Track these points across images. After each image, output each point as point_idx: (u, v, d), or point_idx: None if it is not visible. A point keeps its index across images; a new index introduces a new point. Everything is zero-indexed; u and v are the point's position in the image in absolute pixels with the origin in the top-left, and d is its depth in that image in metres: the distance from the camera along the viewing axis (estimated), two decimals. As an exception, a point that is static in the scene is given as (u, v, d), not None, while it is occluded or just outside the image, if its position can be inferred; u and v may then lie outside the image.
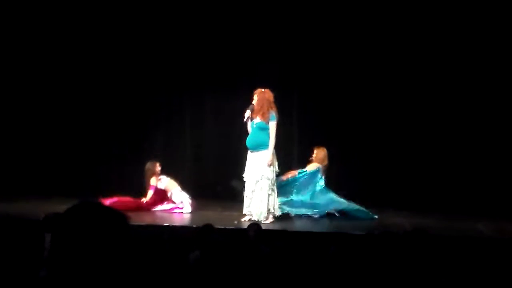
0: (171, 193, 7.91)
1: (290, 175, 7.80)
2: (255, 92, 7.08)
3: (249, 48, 8.86)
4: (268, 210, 7.00)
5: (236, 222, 6.93)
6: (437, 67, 8.51)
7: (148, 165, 7.87)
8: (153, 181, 7.86)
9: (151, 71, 9.02)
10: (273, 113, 7.02)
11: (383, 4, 8.56)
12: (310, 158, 7.88)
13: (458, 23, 8.36)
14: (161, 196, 7.97)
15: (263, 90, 7.08)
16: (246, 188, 7.07)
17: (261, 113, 7.01)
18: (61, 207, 1.68)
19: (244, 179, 7.10)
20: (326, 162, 7.84)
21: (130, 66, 8.99)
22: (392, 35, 8.56)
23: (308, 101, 8.86)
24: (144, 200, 7.83)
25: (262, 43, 8.82)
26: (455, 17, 8.38)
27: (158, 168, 7.89)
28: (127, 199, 7.69)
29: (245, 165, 7.13)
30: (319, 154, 7.84)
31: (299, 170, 7.86)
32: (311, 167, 7.82)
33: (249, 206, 6.99)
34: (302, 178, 7.74)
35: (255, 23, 8.80)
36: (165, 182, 7.95)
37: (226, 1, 8.85)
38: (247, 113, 7.01)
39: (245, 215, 7.06)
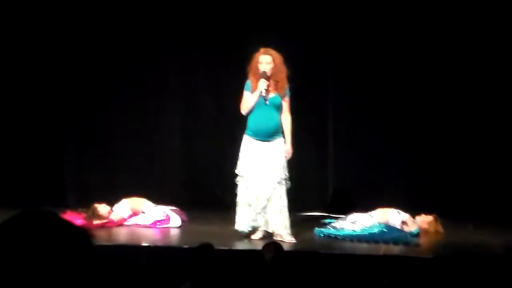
0: (144, 212, 8.00)
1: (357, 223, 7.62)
2: (262, 52, 7.02)
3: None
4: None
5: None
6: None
7: (88, 213, 7.83)
8: (101, 217, 7.82)
9: (126, 34, 9.12)
10: (288, 86, 7.10)
11: None
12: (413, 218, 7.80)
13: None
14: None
15: (273, 50, 7.05)
16: (247, 193, 7.06)
17: (279, 84, 7.03)
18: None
19: (240, 179, 7.08)
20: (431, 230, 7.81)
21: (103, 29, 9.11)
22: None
23: (345, 73, 8.95)
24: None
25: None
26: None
27: (100, 210, 7.88)
28: (80, 216, 7.74)
29: (238, 158, 7.09)
30: (431, 226, 7.79)
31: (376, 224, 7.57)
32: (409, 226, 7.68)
33: (256, 220, 7.02)
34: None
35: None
36: (124, 206, 7.99)
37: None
38: (262, 84, 6.93)
39: (254, 231, 7.08)
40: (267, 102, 6.97)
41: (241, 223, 7.06)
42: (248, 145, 7.05)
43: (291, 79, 7.18)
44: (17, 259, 1.44)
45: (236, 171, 7.10)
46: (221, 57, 8.94)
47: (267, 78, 6.93)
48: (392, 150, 8.91)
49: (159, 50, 9.15)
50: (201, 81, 9.18)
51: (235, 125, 7.61)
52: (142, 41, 9.12)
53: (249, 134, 7.06)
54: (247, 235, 7.04)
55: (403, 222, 7.67)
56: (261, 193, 6.99)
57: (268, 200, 6.98)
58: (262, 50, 7.06)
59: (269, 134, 7.02)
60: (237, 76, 7.49)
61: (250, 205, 7.02)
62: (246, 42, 8.03)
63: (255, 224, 7.03)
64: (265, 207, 6.99)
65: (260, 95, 6.94)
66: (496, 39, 8.70)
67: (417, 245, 7.18)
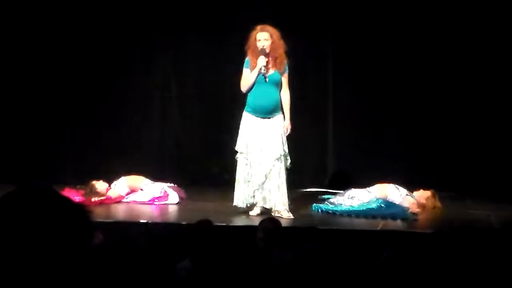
0: (142, 189, 8.03)
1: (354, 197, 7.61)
2: (259, 29, 7.01)
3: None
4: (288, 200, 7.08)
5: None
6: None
7: (86, 190, 7.89)
8: (99, 194, 7.88)
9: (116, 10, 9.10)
10: (286, 61, 7.08)
11: None
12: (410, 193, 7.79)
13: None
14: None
15: (270, 27, 7.04)
16: (246, 169, 7.08)
17: (277, 60, 7.02)
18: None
19: (240, 156, 7.10)
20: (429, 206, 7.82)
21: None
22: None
23: (346, 50, 8.93)
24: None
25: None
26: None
27: (98, 187, 7.92)
28: (79, 193, 7.80)
29: (238, 135, 7.11)
30: (429, 201, 7.80)
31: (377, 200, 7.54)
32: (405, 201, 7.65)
33: (254, 196, 7.06)
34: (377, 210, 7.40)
35: None
36: (122, 184, 8.03)
37: None
38: (262, 61, 6.92)
39: (252, 207, 7.11)
40: (267, 80, 6.96)
41: (239, 199, 7.09)
42: (248, 122, 7.05)
43: (290, 54, 7.16)
44: (15, 233, 1.43)
45: (235, 148, 7.11)
46: (220, 33, 8.91)
47: (266, 55, 6.92)
48: (391, 126, 8.92)
49: (155, 26, 9.14)
50: (200, 58, 9.14)
51: (234, 102, 7.61)
52: (136, 19, 9.11)
53: (248, 111, 7.06)
54: (245, 211, 7.07)
55: (405, 197, 7.67)
56: (260, 170, 7.00)
57: (266, 176, 7.00)
58: (259, 27, 7.04)
59: (269, 111, 7.02)
60: (236, 53, 7.47)
61: (248, 182, 7.05)
62: (245, 18, 8.00)
63: (253, 200, 7.06)
64: (263, 183, 7.01)
65: (260, 72, 6.92)
66: (490, 22, 8.67)
67: (415, 220, 7.20)
